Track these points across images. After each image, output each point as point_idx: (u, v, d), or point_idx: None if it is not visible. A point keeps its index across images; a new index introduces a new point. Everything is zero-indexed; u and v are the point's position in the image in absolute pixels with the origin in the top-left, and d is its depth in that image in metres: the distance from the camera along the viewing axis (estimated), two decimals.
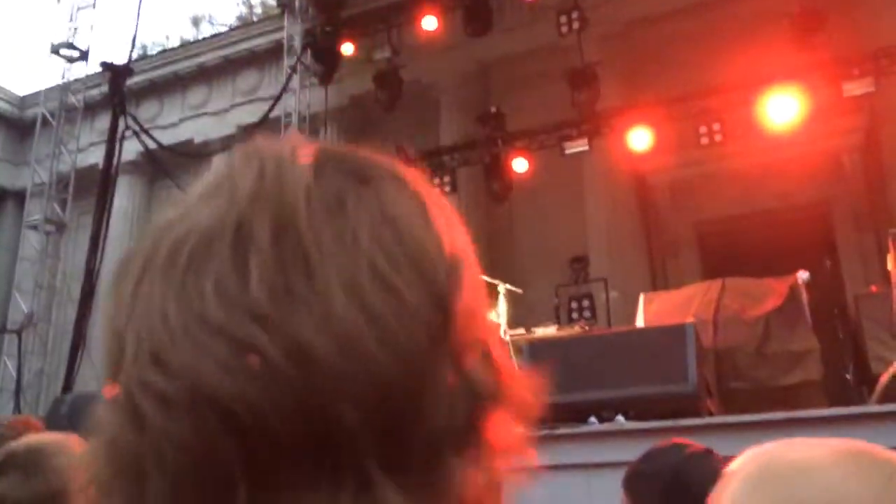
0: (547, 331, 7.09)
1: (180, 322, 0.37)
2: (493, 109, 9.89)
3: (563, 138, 9.31)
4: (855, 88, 8.03)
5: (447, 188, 9.75)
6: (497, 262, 10.99)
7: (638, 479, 1.57)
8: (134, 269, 0.42)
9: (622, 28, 10.79)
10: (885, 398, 4.55)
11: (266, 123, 11.25)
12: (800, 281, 6.14)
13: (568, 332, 7.04)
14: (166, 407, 0.36)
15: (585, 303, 9.17)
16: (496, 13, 10.00)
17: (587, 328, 7.33)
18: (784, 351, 5.87)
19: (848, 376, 6.86)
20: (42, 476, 1.03)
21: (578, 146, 9.22)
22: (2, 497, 1.40)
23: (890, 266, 4.08)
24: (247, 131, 11.92)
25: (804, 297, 6.05)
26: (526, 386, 0.44)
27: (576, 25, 9.31)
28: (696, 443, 1.76)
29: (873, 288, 6.50)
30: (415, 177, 0.45)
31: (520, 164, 9.56)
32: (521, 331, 6.99)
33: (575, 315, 9.01)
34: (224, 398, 0.36)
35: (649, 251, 10.68)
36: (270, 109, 10.65)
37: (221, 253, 0.39)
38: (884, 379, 4.75)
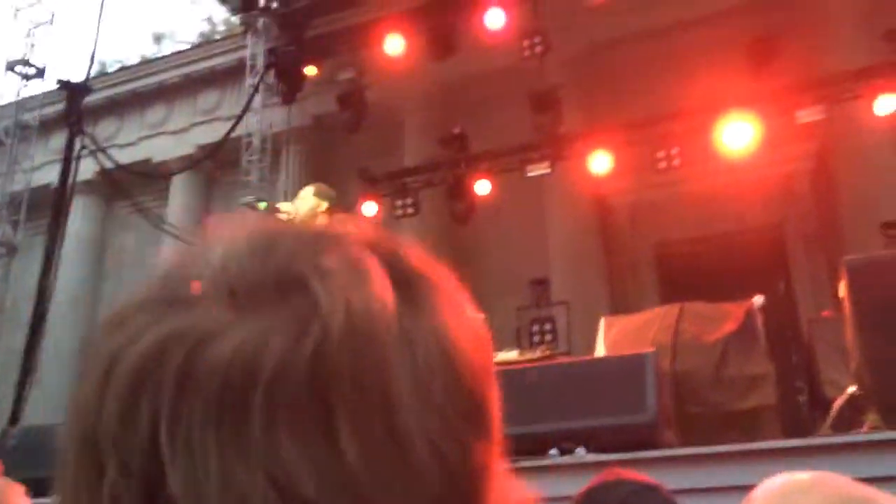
0: (508, 355, 7.07)
1: (261, 497, 0.31)
2: (457, 131, 9.93)
3: (525, 161, 9.39)
4: (807, 115, 8.26)
5: (410, 210, 9.76)
6: (460, 284, 11.01)
7: None
8: (163, 385, 0.33)
9: (585, 52, 10.95)
10: (838, 424, 4.64)
11: (226, 143, 11.15)
12: (755, 305, 6.23)
13: (529, 356, 7.03)
14: None
15: (547, 326, 9.23)
16: (460, 35, 10.07)
17: (549, 352, 7.34)
18: (740, 375, 5.94)
19: (801, 399, 6.99)
20: None
21: (540, 169, 9.31)
22: None
23: (841, 293, 4.17)
24: (206, 151, 11.80)
25: (759, 321, 6.15)
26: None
27: (538, 49, 9.42)
28: (644, 476, 1.75)
29: (825, 313, 6.65)
30: (449, 280, 0.41)
31: (482, 186, 9.61)
32: None
33: (536, 338, 9.05)
34: None
35: (610, 273, 10.78)
36: (232, 129, 10.56)
37: (299, 397, 0.32)
38: (837, 405, 4.85)
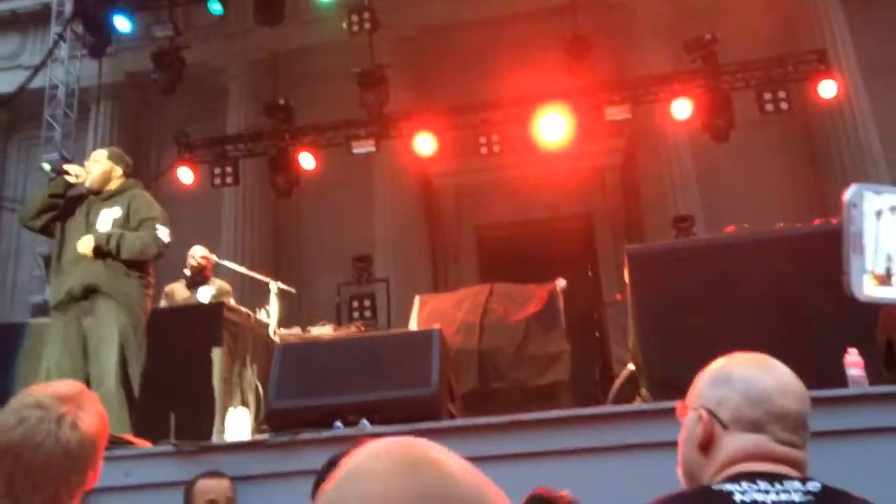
0: (323, 330, 7.03)
1: None
2: (282, 101, 9.65)
3: (351, 137, 9.31)
4: (615, 113, 8.84)
5: (229, 179, 9.39)
6: (282, 257, 10.78)
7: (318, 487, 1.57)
8: None
9: (414, 33, 11.02)
10: (617, 399, 5.04)
11: (26, 94, 10.16)
12: (558, 288, 6.60)
13: (345, 332, 7.03)
14: None
15: (367, 303, 9.25)
16: (289, 4, 9.77)
17: (363, 329, 7.37)
18: (540, 353, 6.29)
19: (596, 376, 7.53)
20: None
21: (366, 146, 9.27)
22: None
23: (626, 278, 4.52)
24: (1, 101, 10.67)
25: (560, 302, 6.52)
26: None
27: (367, 26, 9.35)
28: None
29: (618, 296, 7.18)
30: None
31: (307, 160, 9.42)
32: (297, 330, 6.88)
33: (356, 315, 9.06)
34: None
35: (432, 253, 11.01)
36: (30, 79, 9.61)
37: None
38: (617, 381, 5.26)
